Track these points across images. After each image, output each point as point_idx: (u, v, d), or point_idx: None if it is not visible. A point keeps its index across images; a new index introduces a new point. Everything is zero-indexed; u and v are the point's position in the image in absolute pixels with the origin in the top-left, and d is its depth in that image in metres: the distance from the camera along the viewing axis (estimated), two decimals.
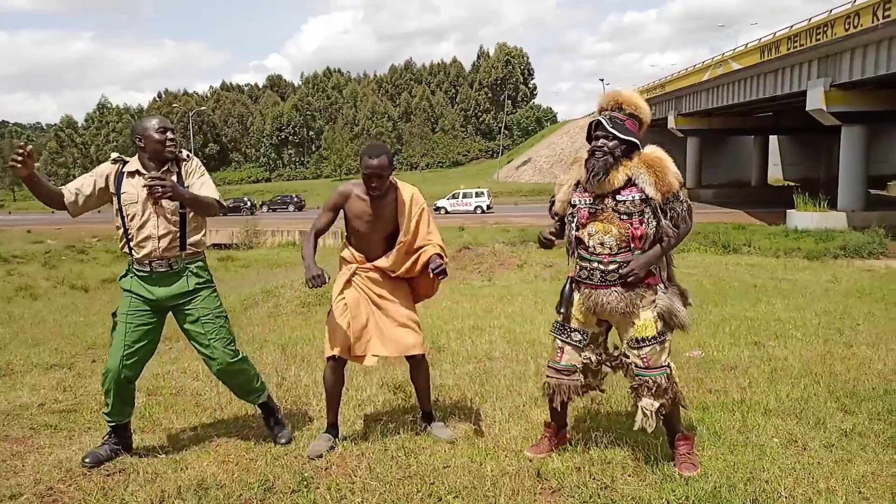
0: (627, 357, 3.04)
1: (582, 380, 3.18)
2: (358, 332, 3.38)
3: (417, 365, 3.51)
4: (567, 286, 3.20)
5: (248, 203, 48.30)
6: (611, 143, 2.96)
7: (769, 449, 3.23)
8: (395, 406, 4.09)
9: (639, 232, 2.94)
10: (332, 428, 3.50)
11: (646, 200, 2.94)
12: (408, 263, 3.42)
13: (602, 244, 2.98)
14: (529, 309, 8.05)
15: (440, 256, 3.34)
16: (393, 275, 3.45)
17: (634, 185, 2.95)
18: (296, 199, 52.47)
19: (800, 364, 4.86)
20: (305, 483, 2.95)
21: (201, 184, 3.29)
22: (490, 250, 14.74)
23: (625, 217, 2.95)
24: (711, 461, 3.09)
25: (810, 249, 19.22)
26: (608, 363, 3.21)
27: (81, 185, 3.23)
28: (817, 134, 39.76)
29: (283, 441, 3.41)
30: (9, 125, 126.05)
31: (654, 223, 2.96)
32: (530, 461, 3.14)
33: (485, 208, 41.92)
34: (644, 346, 2.98)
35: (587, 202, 3.03)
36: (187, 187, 3.24)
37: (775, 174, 50.57)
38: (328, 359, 3.42)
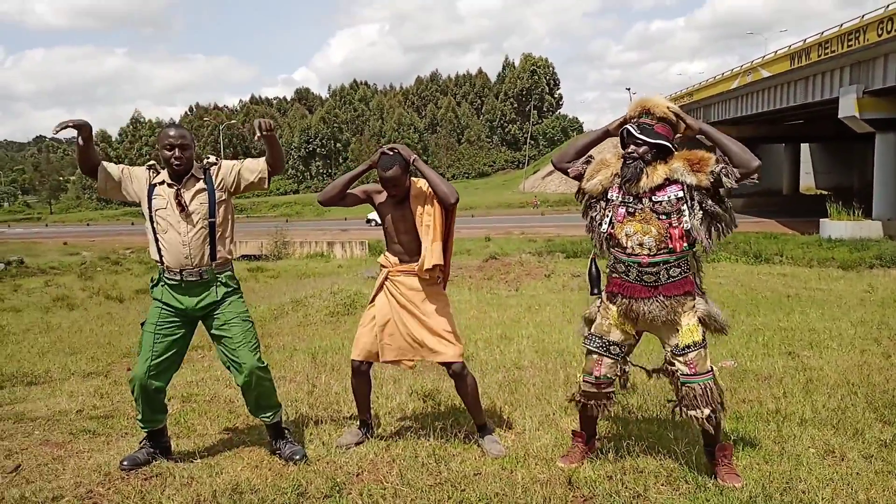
0: (673, 365, 2.99)
1: (614, 392, 3.18)
2: (384, 337, 3.41)
3: (458, 378, 3.43)
4: (592, 267, 3.22)
5: None
6: (640, 150, 2.96)
7: (805, 459, 3.17)
8: (426, 414, 4.10)
9: (677, 232, 2.92)
10: (364, 425, 3.57)
11: (683, 198, 2.92)
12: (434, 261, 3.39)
13: (641, 245, 2.95)
14: (558, 318, 8.01)
15: None
16: (427, 277, 3.43)
17: (673, 182, 2.94)
18: None
19: (836, 374, 4.76)
20: (337, 489, 2.97)
21: (243, 164, 3.38)
22: (517, 260, 14.73)
23: (663, 217, 2.93)
24: (746, 471, 3.04)
25: (845, 259, 18.79)
26: (652, 371, 3.20)
27: (114, 169, 3.32)
28: (850, 141, 38.97)
29: (297, 458, 3.28)
30: (45, 140, 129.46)
31: (700, 215, 2.91)
32: (562, 470, 3.12)
33: None
34: (690, 352, 2.94)
35: (624, 200, 3.02)
36: (222, 191, 3.31)
37: (807, 182, 49.73)
38: (352, 362, 3.48)
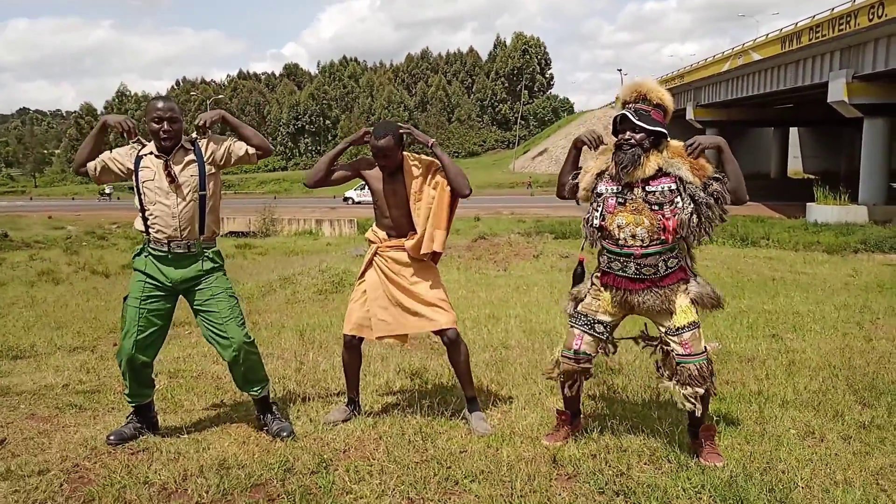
0: (668, 345, 3.00)
1: (592, 368, 3.20)
2: (375, 313, 3.42)
3: (452, 345, 3.44)
4: (578, 269, 3.24)
5: None
6: (638, 136, 2.92)
7: (786, 440, 3.22)
8: (413, 391, 4.13)
9: (671, 223, 2.89)
10: (352, 403, 3.61)
11: (676, 190, 2.92)
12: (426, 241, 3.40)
13: (634, 236, 2.93)
14: (545, 299, 8.06)
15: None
16: (409, 249, 3.43)
17: (665, 174, 2.93)
18: None
19: (818, 357, 4.83)
20: (324, 465, 2.99)
21: (234, 141, 3.37)
22: (506, 240, 14.74)
23: (656, 207, 2.91)
24: (728, 451, 3.09)
25: (830, 243, 18.99)
26: (645, 343, 3.21)
27: (102, 159, 3.30)
28: (838, 126, 39.19)
29: (284, 434, 3.28)
30: (29, 112, 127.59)
31: (690, 209, 2.91)
32: (547, 448, 3.16)
33: None
34: (684, 332, 2.95)
35: (614, 191, 2.99)
36: (211, 164, 3.30)
37: (795, 167, 50.03)
38: (343, 336, 3.50)
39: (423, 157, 3.51)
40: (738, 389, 4.05)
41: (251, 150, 3.37)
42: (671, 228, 2.91)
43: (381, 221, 3.52)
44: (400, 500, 2.70)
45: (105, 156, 3.29)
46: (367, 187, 3.55)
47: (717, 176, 2.96)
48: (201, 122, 3.30)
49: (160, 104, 3.23)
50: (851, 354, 4.93)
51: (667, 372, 3.05)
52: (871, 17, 22.52)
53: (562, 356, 3.20)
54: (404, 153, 3.45)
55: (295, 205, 41.84)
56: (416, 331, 3.50)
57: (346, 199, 42.44)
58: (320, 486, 2.80)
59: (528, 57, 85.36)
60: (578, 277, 3.25)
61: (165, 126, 3.20)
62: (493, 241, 14.83)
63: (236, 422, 3.58)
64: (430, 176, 3.42)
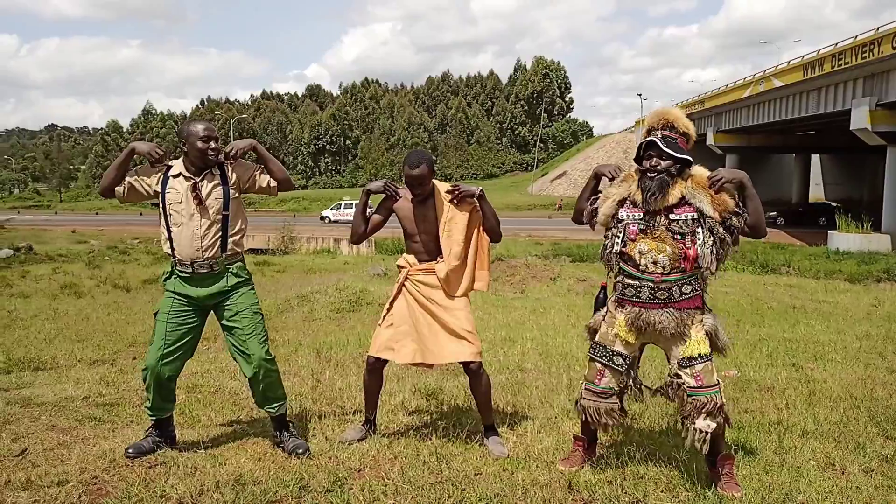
0: (679, 377, 2.96)
1: (618, 403, 3.14)
2: (401, 339, 3.45)
3: (474, 376, 3.46)
4: (601, 294, 3.22)
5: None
6: (665, 163, 2.94)
7: (806, 471, 3.17)
8: (428, 412, 4.13)
9: (691, 252, 2.90)
10: (368, 422, 3.63)
11: (698, 220, 2.92)
12: (461, 278, 3.49)
13: (655, 263, 2.93)
14: (562, 322, 8.03)
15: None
16: (441, 277, 3.47)
17: (688, 204, 2.94)
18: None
19: (839, 387, 4.76)
20: (339, 483, 3.00)
21: (260, 171, 3.43)
22: (523, 262, 14.70)
23: (678, 237, 2.92)
24: (746, 481, 3.05)
25: (852, 272, 18.72)
26: (654, 390, 3.18)
27: (129, 180, 3.38)
28: (861, 154, 38.78)
29: (300, 452, 3.31)
30: (57, 128, 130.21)
31: (710, 242, 2.91)
32: (562, 473, 3.14)
33: None
34: (697, 364, 2.92)
35: (637, 218, 3.00)
36: (234, 189, 3.35)
37: (817, 194, 49.48)
38: (367, 358, 3.55)
39: (450, 184, 3.54)
40: (758, 419, 4.00)
41: (273, 183, 3.44)
42: (691, 258, 2.91)
43: (410, 247, 3.57)
44: None
45: (132, 177, 3.37)
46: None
47: (737, 211, 2.95)
48: (233, 150, 3.36)
49: (205, 124, 3.33)
50: (874, 385, 4.85)
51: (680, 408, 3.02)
52: (894, 45, 22.39)
53: (584, 390, 3.16)
54: (434, 182, 3.51)
55: (314, 223, 42.18)
56: (441, 361, 3.53)
57: (322, 217, 42.46)
58: None
59: (548, 80, 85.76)
60: (601, 303, 3.24)
61: (213, 145, 3.28)
62: (511, 262, 14.81)
63: (252, 438, 3.61)
64: (461, 208, 3.47)
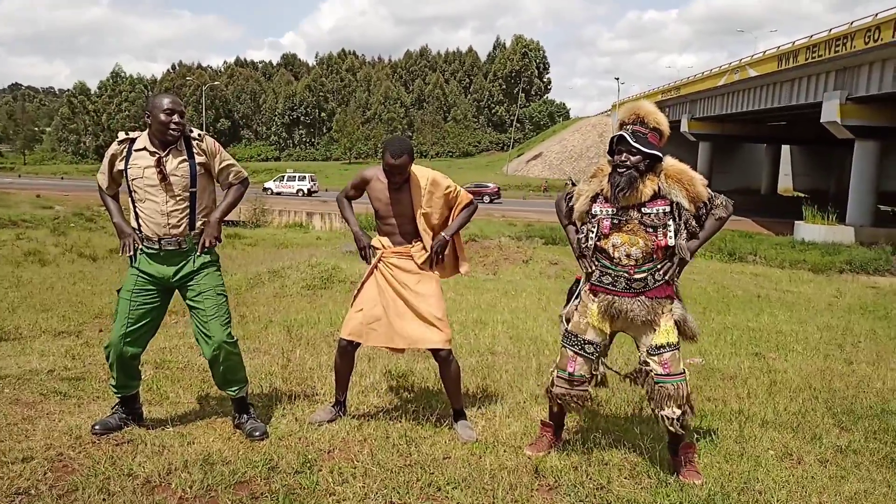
0: (647, 364, 3.04)
1: (589, 391, 3.20)
2: (371, 322, 3.44)
3: (444, 363, 3.48)
4: (574, 286, 3.27)
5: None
6: (634, 158, 2.96)
7: (764, 460, 3.27)
8: (399, 394, 4.15)
9: (663, 243, 2.97)
10: (338, 404, 3.63)
11: (670, 213, 2.98)
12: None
13: (628, 256, 2.99)
14: (533, 305, 8.10)
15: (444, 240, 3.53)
16: (420, 263, 3.50)
17: (661, 197, 2.98)
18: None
19: (799, 378, 4.90)
20: (308, 465, 3.01)
21: (224, 164, 3.37)
22: (496, 244, 14.76)
23: (650, 230, 2.97)
24: (707, 469, 3.14)
25: (816, 262, 19.21)
26: (624, 375, 3.24)
27: (106, 172, 3.35)
28: (830, 146, 39.56)
29: (257, 435, 3.28)
30: (21, 88, 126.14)
31: (684, 233, 2.98)
32: (529, 458, 3.19)
33: (306, 192, 44.08)
34: (665, 352, 3.00)
35: (609, 213, 3.04)
36: (201, 165, 3.29)
37: (785, 184, 50.43)
38: (339, 340, 3.55)
39: (425, 170, 3.54)
40: (720, 407, 4.10)
41: (231, 183, 3.44)
42: (663, 247, 2.98)
43: (382, 229, 3.56)
44: None
45: (115, 174, 3.34)
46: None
47: (709, 200, 3.02)
48: (208, 243, 3.35)
49: (170, 97, 3.25)
50: (832, 377, 5.00)
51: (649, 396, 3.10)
52: (867, 40, 22.78)
53: (556, 377, 3.21)
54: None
55: (286, 196, 41.72)
56: (409, 346, 3.52)
57: (264, 189, 42.41)
58: (304, 486, 2.82)
59: (526, 60, 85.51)
60: (574, 294, 3.28)
61: (176, 118, 3.19)
62: (484, 243, 14.86)
63: (221, 416, 3.59)
64: (436, 192, 3.49)
